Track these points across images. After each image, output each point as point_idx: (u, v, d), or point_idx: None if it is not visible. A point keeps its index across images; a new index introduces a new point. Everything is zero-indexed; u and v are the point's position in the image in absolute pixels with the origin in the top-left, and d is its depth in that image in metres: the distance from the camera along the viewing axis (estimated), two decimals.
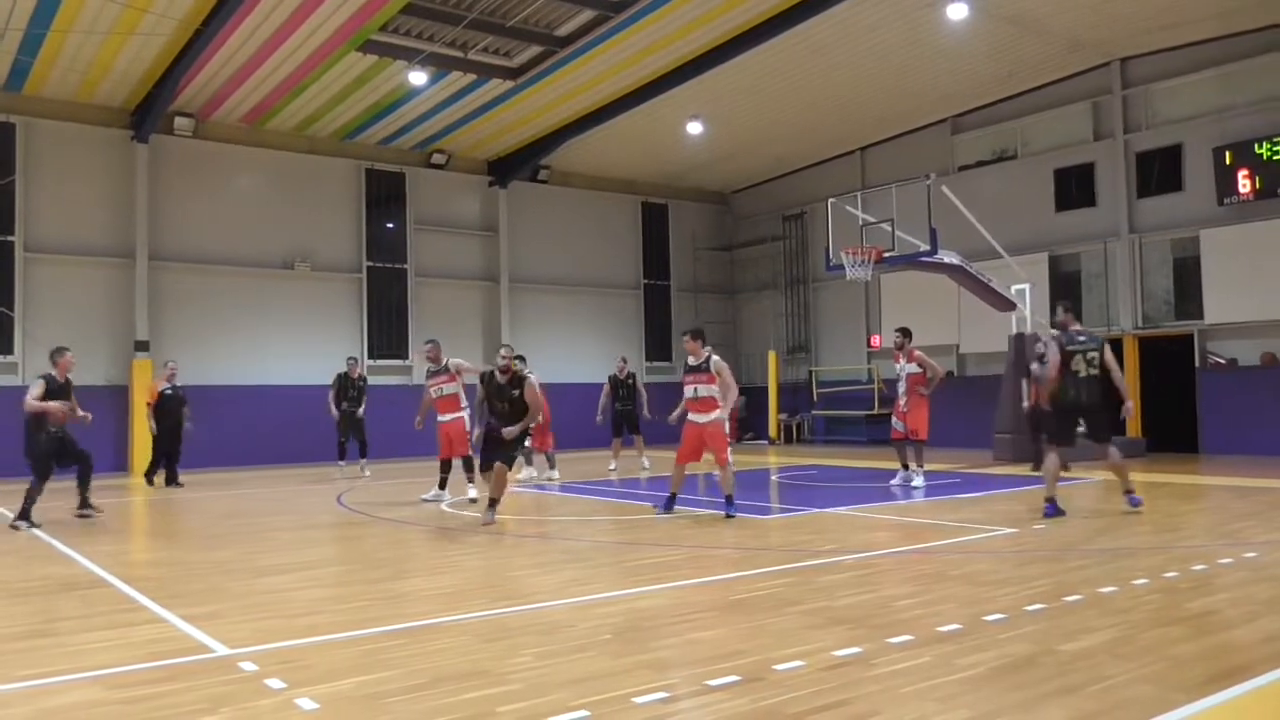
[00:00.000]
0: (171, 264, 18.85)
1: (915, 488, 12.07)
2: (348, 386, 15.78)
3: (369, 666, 4.45)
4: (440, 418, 11.63)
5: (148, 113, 17.76)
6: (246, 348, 19.41)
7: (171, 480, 14.61)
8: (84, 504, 10.42)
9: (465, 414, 11.50)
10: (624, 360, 16.19)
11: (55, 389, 9.96)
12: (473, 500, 11.00)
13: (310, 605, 5.93)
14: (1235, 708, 3.74)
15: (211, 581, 6.89)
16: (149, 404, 14.81)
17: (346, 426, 15.68)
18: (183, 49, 15.59)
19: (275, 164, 20.06)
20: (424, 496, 11.64)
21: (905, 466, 12.54)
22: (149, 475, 14.85)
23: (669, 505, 9.87)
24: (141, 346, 18.16)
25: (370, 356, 20.87)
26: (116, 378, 18.14)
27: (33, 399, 9.78)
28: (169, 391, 14.71)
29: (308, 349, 19.96)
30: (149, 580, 6.88)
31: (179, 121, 18.60)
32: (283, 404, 19.29)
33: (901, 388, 12.33)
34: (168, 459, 14.71)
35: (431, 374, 11.82)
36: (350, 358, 16.58)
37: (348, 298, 20.90)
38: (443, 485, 11.58)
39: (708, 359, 9.67)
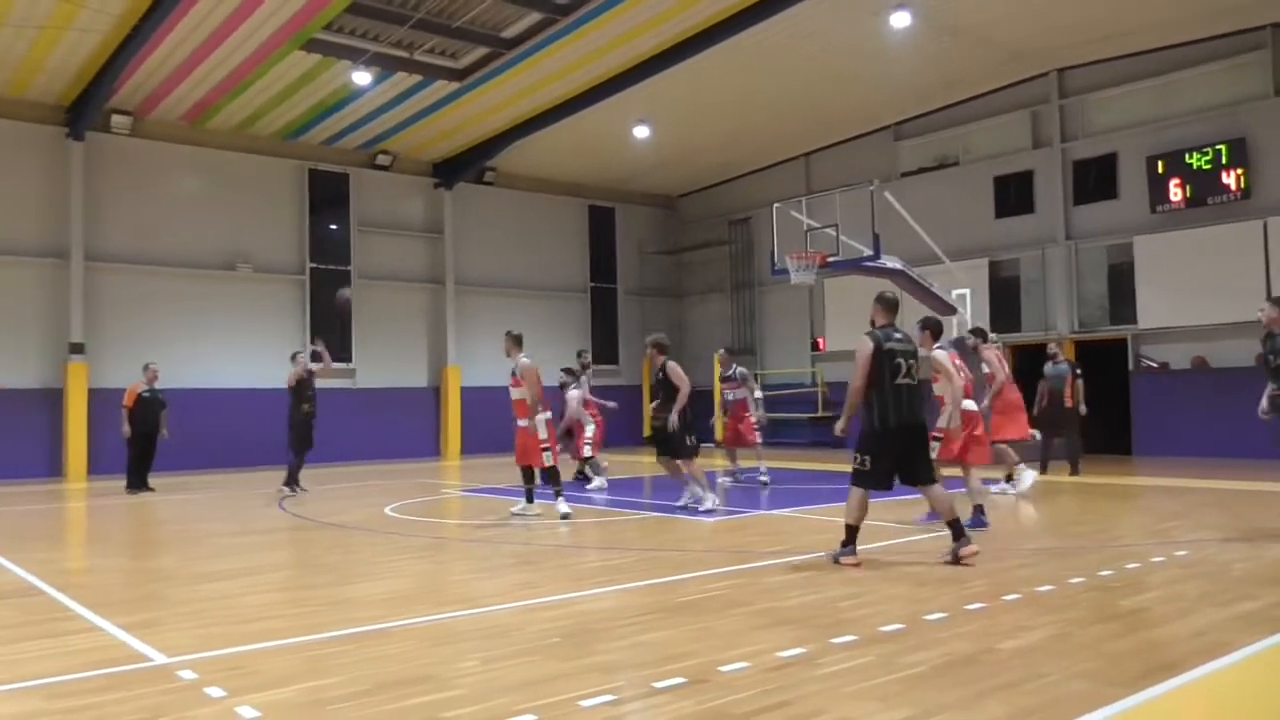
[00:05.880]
0: (108, 265, 18.38)
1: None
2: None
3: (313, 673, 4.39)
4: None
5: (84, 110, 17.31)
6: (186, 350, 18.97)
7: (143, 485, 14.11)
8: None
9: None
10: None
11: None
12: None
13: (252, 612, 5.82)
14: (1168, 701, 3.86)
15: (149, 589, 6.75)
16: (126, 407, 14.23)
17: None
18: (121, 44, 15.21)
19: (216, 163, 19.65)
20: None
21: (1009, 478, 11.36)
22: (132, 485, 14.11)
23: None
24: (76, 349, 17.67)
25: (313, 360, 20.47)
26: (51, 381, 17.63)
27: None
28: (147, 394, 14.26)
29: (249, 352, 19.59)
30: (84, 588, 6.70)
31: (116, 119, 18.14)
32: (223, 408, 18.91)
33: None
34: (141, 463, 14.21)
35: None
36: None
37: (290, 300, 20.54)
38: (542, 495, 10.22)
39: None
